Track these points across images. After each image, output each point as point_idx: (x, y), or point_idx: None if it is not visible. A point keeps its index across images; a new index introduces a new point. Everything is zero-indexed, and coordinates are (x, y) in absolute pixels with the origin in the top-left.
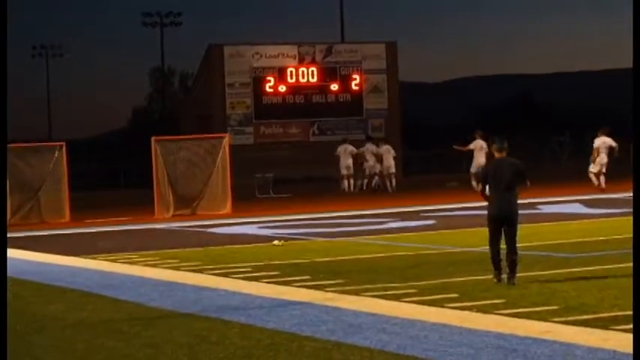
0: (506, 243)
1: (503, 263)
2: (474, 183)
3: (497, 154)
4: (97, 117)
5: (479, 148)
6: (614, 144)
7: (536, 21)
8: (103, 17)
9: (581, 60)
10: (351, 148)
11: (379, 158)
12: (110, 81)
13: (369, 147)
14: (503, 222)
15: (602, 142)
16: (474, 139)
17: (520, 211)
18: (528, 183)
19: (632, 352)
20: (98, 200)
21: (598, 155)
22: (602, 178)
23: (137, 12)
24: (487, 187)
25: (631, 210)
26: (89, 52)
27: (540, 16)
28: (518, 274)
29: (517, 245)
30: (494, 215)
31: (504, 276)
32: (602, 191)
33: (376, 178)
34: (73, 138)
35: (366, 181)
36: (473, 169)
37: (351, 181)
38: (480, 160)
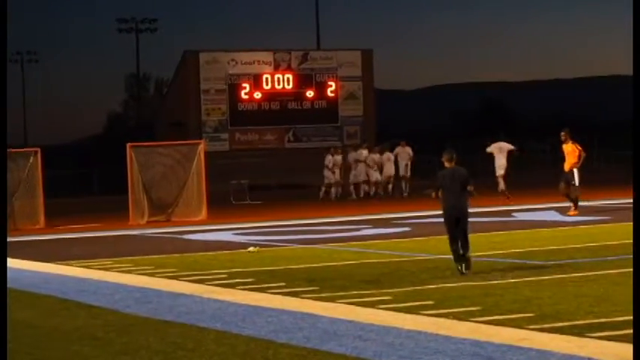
0: (460, 239)
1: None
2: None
3: (447, 164)
4: (72, 123)
5: (498, 151)
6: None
7: (510, 29)
8: (78, 23)
9: (555, 68)
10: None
11: (379, 166)
12: (85, 87)
13: (373, 157)
14: (457, 221)
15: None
16: (493, 142)
17: (495, 219)
18: (471, 189)
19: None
20: (73, 206)
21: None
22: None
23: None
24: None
25: (606, 218)
26: (64, 57)
27: (514, 24)
28: (494, 282)
29: (468, 241)
30: (449, 215)
31: (463, 265)
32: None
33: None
34: (48, 144)
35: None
36: (500, 172)
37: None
38: (501, 161)
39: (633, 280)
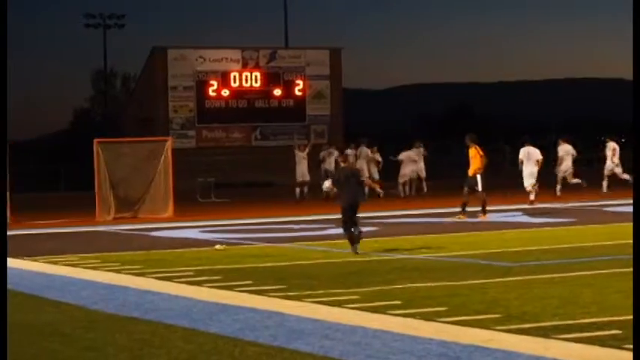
0: (353, 221)
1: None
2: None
3: (342, 164)
4: (38, 118)
5: (566, 153)
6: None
7: (480, 30)
8: (45, 17)
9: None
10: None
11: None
12: (52, 82)
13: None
14: (352, 209)
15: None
16: (560, 144)
17: (466, 220)
18: (365, 182)
19: None
20: (39, 202)
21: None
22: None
23: (80, 13)
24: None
25: (572, 220)
26: (30, 52)
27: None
28: (460, 282)
29: (358, 223)
30: (347, 205)
31: (355, 246)
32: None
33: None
34: (14, 139)
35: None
36: (561, 174)
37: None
38: (567, 162)
39: (633, 280)
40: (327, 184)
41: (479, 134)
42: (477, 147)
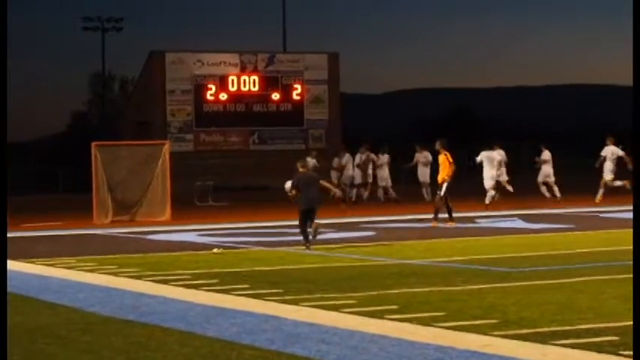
0: (311, 220)
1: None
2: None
3: (301, 169)
4: (36, 120)
5: (610, 154)
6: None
7: (478, 35)
8: (43, 20)
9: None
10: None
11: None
12: (50, 85)
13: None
14: (311, 211)
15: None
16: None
17: (458, 225)
18: (324, 184)
19: None
20: (36, 204)
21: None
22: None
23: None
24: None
25: (569, 226)
26: (28, 54)
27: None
28: (458, 288)
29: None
30: (306, 208)
31: (309, 244)
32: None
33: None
34: (12, 141)
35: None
36: (609, 176)
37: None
38: (610, 166)
39: (633, 280)
40: (287, 185)
41: (477, 138)
42: (447, 153)
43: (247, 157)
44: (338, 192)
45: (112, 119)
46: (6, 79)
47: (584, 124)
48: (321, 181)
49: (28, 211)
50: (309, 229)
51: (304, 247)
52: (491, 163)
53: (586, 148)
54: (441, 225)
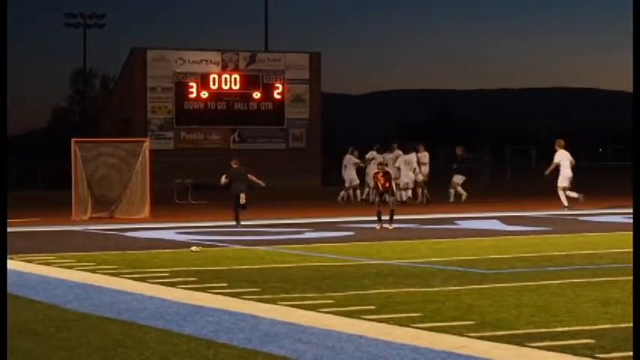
0: (238, 201)
1: None
2: None
3: (234, 166)
4: (16, 116)
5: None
6: None
7: (459, 37)
8: (25, 16)
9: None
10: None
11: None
12: (32, 81)
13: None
14: (238, 197)
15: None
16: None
17: (437, 226)
18: (251, 177)
19: None
20: (15, 200)
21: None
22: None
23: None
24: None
25: (547, 228)
26: (10, 50)
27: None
28: (435, 289)
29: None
30: (234, 194)
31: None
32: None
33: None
34: None
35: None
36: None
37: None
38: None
39: (633, 280)
40: (222, 178)
41: (458, 140)
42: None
43: (228, 155)
44: (261, 184)
45: (93, 116)
46: (6, 79)
47: (567, 127)
48: (249, 175)
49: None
50: (240, 210)
51: (235, 224)
52: (409, 165)
53: (569, 151)
54: (423, 226)
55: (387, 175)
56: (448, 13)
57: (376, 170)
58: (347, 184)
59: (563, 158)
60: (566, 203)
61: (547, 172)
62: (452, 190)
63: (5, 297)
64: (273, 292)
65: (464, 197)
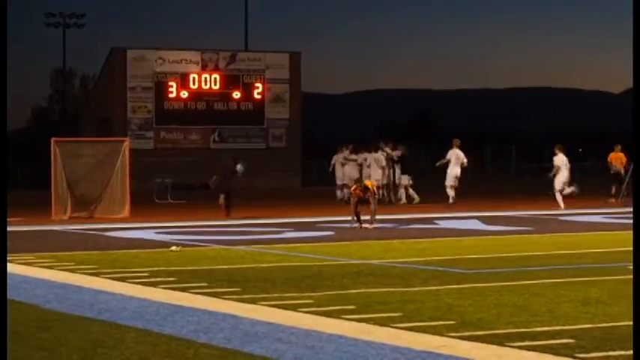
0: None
1: None
2: None
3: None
4: None
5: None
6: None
7: (440, 38)
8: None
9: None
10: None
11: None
12: (11, 80)
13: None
14: (226, 192)
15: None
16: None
17: (417, 226)
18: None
19: None
20: None
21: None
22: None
23: (40, 12)
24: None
25: (528, 228)
26: None
27: (444, 33)
28: (415, 289)
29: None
30: (222, 190)
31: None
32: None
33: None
34: None
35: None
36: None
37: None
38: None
39: (633, 280)
40: (213, 178)
41: (439, 141)
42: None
43: (207, 155)
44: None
45: (72, 115)
46: (6, 79)
47: (550, 128)
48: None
49: None
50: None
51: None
52: (378, 164)
53: (550, 152)
54: (404, 226)
55: (365, 189)
56: (429, 13)
57: (354, 187)
58: (338, 182)
59: (562, 162)
60: (562, 205)
61: (551, 174)
62: (402, 191)
63: (5, 297)
64: (254, 291)
65: (416, 200)
